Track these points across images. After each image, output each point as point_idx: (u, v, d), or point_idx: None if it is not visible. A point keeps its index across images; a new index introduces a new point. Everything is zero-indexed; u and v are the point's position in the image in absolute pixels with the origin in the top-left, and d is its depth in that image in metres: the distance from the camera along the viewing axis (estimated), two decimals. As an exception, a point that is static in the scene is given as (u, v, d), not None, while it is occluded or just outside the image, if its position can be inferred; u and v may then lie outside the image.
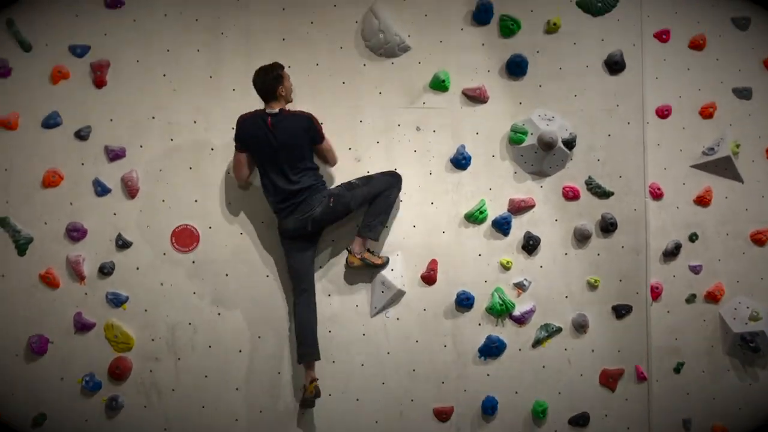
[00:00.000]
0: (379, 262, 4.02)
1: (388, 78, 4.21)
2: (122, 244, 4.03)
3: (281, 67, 3.81)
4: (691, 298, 4.41)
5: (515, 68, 4.25)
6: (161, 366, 4.03)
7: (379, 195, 3.95)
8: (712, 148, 4.44)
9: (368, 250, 4.01)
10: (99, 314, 4.00)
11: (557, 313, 4.26)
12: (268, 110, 3.78)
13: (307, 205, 3.79)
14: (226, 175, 4.10)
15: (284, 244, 3.95)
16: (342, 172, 4.09)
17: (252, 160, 3.89)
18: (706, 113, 4.47)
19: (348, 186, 3.93)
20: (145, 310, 4.03)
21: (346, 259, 3.99)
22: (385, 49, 4.18)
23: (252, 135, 3.77)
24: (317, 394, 3.84)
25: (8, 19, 4.01)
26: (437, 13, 4.23)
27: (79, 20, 4.05)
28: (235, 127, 3.84)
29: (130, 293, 4.03)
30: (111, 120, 4.06)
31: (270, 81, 3.75)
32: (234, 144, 3.87)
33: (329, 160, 4.00)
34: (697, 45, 4.46)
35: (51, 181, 4.00)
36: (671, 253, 4.38)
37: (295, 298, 3.95)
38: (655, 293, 4.34)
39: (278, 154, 3.76)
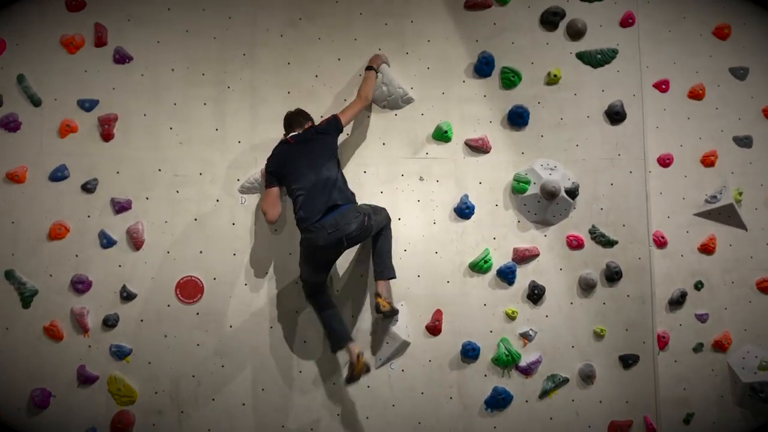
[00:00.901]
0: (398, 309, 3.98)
1: (392, 129, 4.27)
2: (127, 296, 4.03)
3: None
4: (698, 347, 4.37)
5: (517, 119, 4.31)
6: (164, 420, 3.99)
7: (383, 231, 3.96)
8: (715, 196, 4.46)
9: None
10: (102, 367, 3.98)
11: (564, 363, 4.22)
12: (289, 135, 3.92)
13: (343, 218, 3.65)
14: (231, 227, 4.12)
15: (307, 257, 3.79)
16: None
17: (281, 194, 3.89)
18: (708, 161, 4.50)
19: (374, 210, 3.90)
20: (149, 363, 4.01)
21: (377, 305, 3.83)
22: (388, 101, 4.24)
23: (280, 161, 3.83)
24: (367, 369, 3.80)
25: (19, 75, 4.09)
26: (439, 65, 4.31)
27: (88, 75, 4.13)
28: (264, 170, 3.90)
29: (133, 345, 4.01)
30: (118, 172, 4.10)
31: (302, 116, 3.98)
32: (265, 186, 3.86)
33: (359, 104, 4.01)
34: (696, 95, 4.52)
35: (57, 233, 4.02)
36: (677, 302, 4.37)
37: (311, 300, 3.96)
38: (662, 342, 4.31)
39: (305, 159, 3.77)
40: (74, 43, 4.12)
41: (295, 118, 3.97)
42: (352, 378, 3.77)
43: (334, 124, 3.91)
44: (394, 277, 3.98)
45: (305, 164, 3.77)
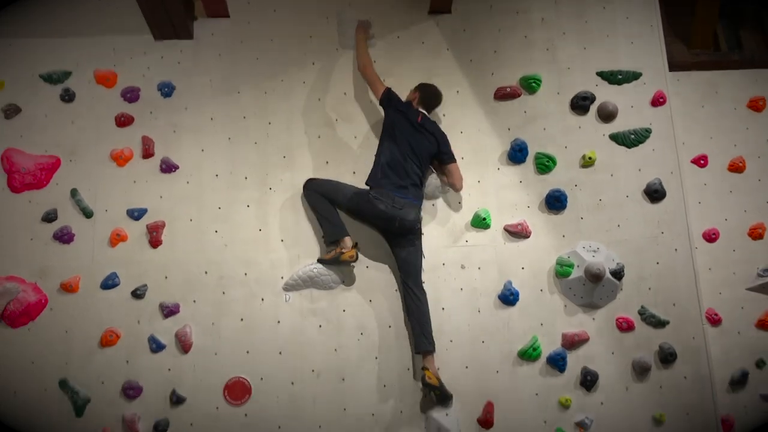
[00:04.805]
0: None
1: (430, 219, 4.31)
2: (176, 400, 4.04)
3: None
4: (767, 430, 4.16)
5: (555, 202, 4.32)
6: None
7: (425, 306, 4.00)
8: (767, 269, 4.34)
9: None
10: (154, 475, 3.97)
11: (624, 453, 4.05)
12: (421, 114, 4.18)
13: (410, 206, 3.96)
14: (276, 325, 4.15)
15: (355, 205, 4.09)
16: (386, 311, 4.13)
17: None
18: (756, 234, 4.42)
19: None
20: (200, 469, 3.98)
21: (423, 377, 3.85)
22: (425, 191, 4.29)
23: (403, 112, 4.10)
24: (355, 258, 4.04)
25: (72, 189, 4.28)
26: (473, 155, 4.39)
27: (137, 186, 4.32)
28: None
29: (184, 451, 4.00)
30: (166, 277, 4.20)
31: (439, 101, 4.31)
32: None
33: (455, 178, 4.19)
34: (737, 167, 4.49)
35: (108, 340, 4.10)
36: (738, 382, 4.20)
37: (313, 198, 4.16)
38: (727, 426, 4.13)
39: (416, 142, 4.05)
40: (123, 157, 4.33)
41: (435, 104, 4.29)
42: (334, 261, 4.04)
43: (446, 150, 4.18)
44: (433, 350, 3.94)
45: (408, 151, 4.02)
